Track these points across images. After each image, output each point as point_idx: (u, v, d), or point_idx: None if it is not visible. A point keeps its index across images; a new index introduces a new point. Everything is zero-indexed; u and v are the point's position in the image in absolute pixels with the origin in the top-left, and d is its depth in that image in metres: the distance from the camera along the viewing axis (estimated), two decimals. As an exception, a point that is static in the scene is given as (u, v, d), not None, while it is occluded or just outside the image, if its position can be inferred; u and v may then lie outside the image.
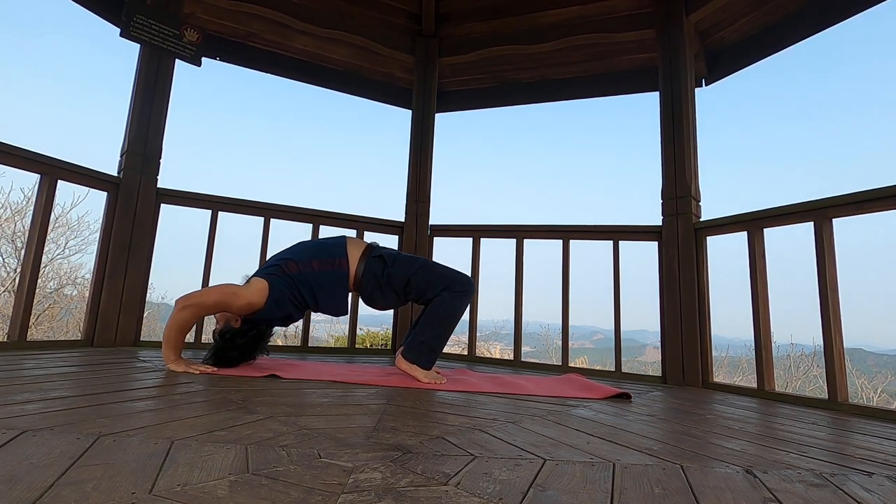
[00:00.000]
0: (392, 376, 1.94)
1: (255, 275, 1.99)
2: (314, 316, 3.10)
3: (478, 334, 3.13)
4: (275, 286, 1.89)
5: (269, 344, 2.11)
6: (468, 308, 3.05)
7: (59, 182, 2.34)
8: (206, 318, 2.40)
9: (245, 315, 1.90)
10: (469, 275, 2.63)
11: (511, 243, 3.02)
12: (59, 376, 1.50)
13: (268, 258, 2.25)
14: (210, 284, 2.73)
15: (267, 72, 3.46)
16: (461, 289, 2.00)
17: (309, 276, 1.94)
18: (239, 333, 1.89)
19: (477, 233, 3.12)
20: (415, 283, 2.00)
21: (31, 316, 2.39)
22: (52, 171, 2.28)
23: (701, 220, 2.64)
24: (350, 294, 2.10)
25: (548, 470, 0.85)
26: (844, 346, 1.93)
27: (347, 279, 2.00)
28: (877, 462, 1.05)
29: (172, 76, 2.78)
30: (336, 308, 2.04)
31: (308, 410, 1.22)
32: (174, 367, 1.75)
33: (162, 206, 2.69)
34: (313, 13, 3.18)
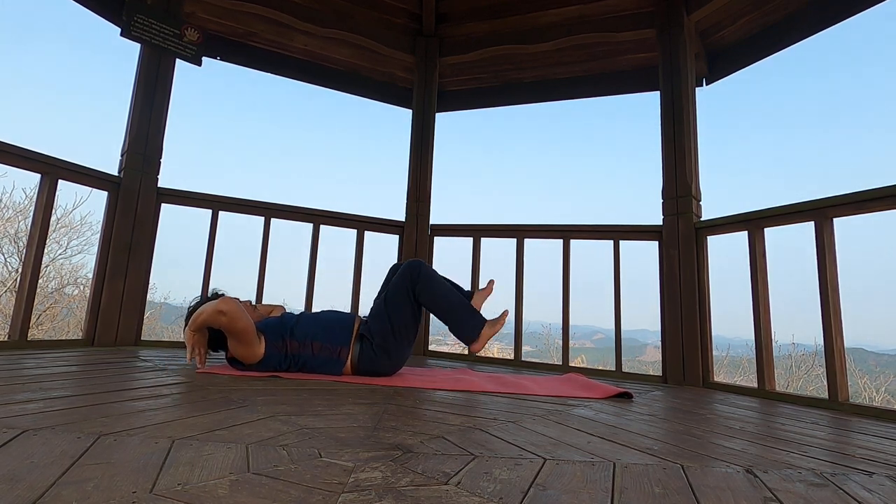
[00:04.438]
0: (392, 377, 1.94)
1: (263, 325, 1.89)
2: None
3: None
4: (268, 356, 1.83)
5: None
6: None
7: (61, 182, 2.35)
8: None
9: (235, 352, 1.83)
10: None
11: (511, 243, 3.02)
12: (60, 376, 1.50)
13: (274, 303, 2.25)
14: (209, 283, 2.73)
15: (267, 72, 3.47)
16: (413, 277, 1.95)
17: (305, 356, 1.88)
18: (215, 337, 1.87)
19: (477, 232, 3.12)
20: (394, 324, 1.93)
21: (33, 316, 2.39)
22: (52, 170, 2.28)
23: (701, 219, 2.64)
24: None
25: (548, 469, 0.85)
26: (845, 345, 1.93)
27: (342, 366, 1.91)
28: (877, 462, 1.05)
29: (173, 76, 2.78)
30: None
31: (309, 410, 1.23)
32: (186, 338, 1.82)
33: (162, 205, 2.69)
34: (314, 13, 3.18)
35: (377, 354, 1.91)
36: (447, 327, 2.01)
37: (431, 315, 3.18)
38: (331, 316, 2.01)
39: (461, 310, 1.97)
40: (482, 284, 2.20)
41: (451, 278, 2.13)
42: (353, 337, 1.94)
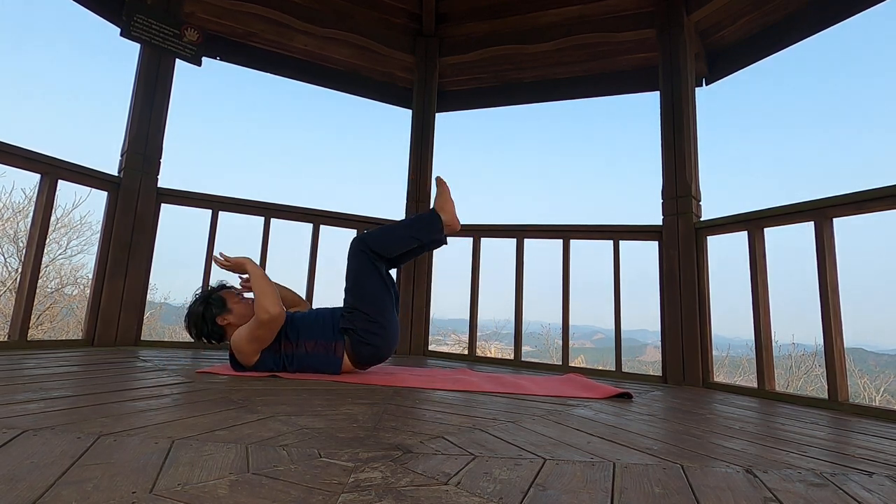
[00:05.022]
0: (392, 376, 1.94)
1: None
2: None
3: (478, 334, 3.13)
4: (262, 358, 1.84)
5: None
6: (472, 304, 3.05)
7: (61, 182, 2.35)
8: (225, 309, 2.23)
9: (235, 343, 1.83)
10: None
11: (511, 243, 3.02)
12: (60, 376, 1.50)
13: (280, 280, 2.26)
14: (209, 283, 2.72)
15: (267, 72, 3.47)
16: (361, 247, 1.99)
17: (299, 355, 1.89)
18: (207, 303, 1.90)
19: (477, 232, 3.12)
20: (366, 308, 1.93)
21: (33, 316, 2.39)
22: (52, 170, 2.28)
23: (701, 219, 2.63)
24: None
25: (548, 469, 0.85)
26: (845, 345, 1.93)
27: (339, 361, 1.91)
28: (877, 462, 1.05)
29: (173, 76, 2.78)
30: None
31: (308, 410, 1.23)
32: (241, 258, 1.98)
33: (162, 205, 2.69)
34: (314, 13, 3.18)
35: (367, 338, 1.92)
36: (422, 244, 2.07)
37: (431, 315, 3.19)
38: (322, 313, 2.03)
39: (414, 223, 2.07)
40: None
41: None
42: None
